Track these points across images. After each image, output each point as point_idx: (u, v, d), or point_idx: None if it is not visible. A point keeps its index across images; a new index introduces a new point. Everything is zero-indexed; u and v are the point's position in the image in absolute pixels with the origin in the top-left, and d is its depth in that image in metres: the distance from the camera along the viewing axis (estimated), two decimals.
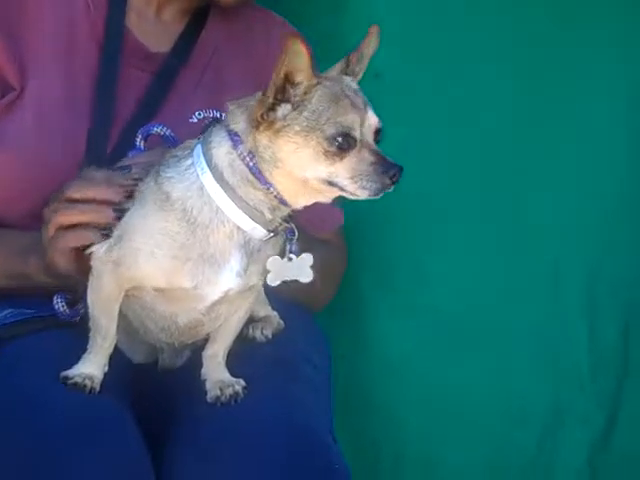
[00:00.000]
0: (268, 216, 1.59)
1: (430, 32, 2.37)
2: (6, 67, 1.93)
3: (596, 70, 2.37)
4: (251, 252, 1.61)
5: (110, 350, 1.68)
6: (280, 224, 1.62)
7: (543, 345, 2.45)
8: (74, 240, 1.69)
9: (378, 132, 1.58)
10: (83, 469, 1.52)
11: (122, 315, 1.70)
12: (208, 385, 1.71)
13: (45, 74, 1.94)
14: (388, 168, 1.54)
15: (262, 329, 1.88)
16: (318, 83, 1.56)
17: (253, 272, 1.64)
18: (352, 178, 1.54)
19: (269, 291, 1.81)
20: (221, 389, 1.69)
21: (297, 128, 1.54)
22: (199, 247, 1.58)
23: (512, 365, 2.44)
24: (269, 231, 1.60)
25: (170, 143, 1.76)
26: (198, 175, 1.58)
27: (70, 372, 1.65)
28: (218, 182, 1.57)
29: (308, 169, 1.55)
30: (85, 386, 1.64)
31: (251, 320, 1.87)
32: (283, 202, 1.59)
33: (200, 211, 1.57)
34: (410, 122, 2.36)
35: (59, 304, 1.78)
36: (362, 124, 1.55)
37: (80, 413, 1.58)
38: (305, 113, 1.54)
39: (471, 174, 2.39)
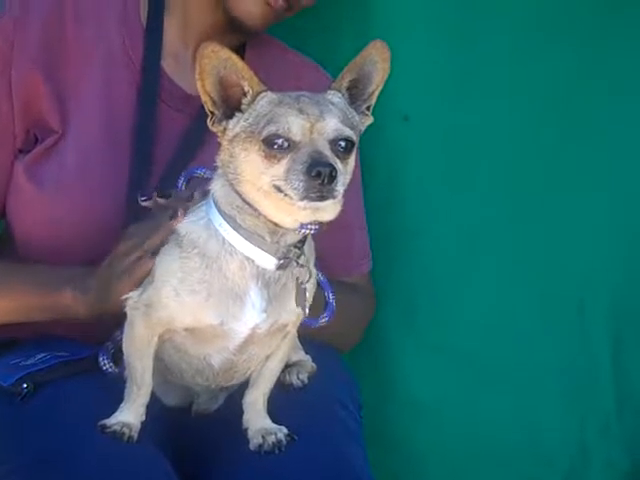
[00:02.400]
0: (268, 240, 1.59)
1: (459, 73, 2.36)
2: (49, 111, 1.95)
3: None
4: (268, 283, 1.61)
5: (147, 398, 1.69)
6: (289, 250, 1.61)
7: (569, 384, 2.42)
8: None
9: (336, 141, 1.54)
10: None
11: (158, 359, 1.71)
12: (250, 433, 1.71)
13: (86, 117, 1.96)
14: (315, 166, 1.48)
15: (298, 374, 1.89)
16: (265, 90, 1.58)
17: (277, 308, 1.64)
18: (286, 180, 1.51)
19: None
20: (264, 437, 1.69)
21: (243, 135, 1.56)
22: (217, 281, 1.61)
23: (538, 404, 2.43)
24: (279, 259, 1.61)
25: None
26: (206, 211, 1.63)
27: (108, 421, 1.66)
28: (220, 214, 1.60)
29: (257, 175, 1.54)
30: (123, 434, 1.64)
31: (284, 365, 1.88)
32: (274, 222, 1.59)
33: (207, 243, 1.60)
34: (439, 162, 2.38)
35: (104, 362, 1.80)
36: (311, 129, 1.52)
37: (117, 465, 1.60)
38: (250, 119, 1.56)
39: (496, 214, 2.38)
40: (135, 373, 1.69)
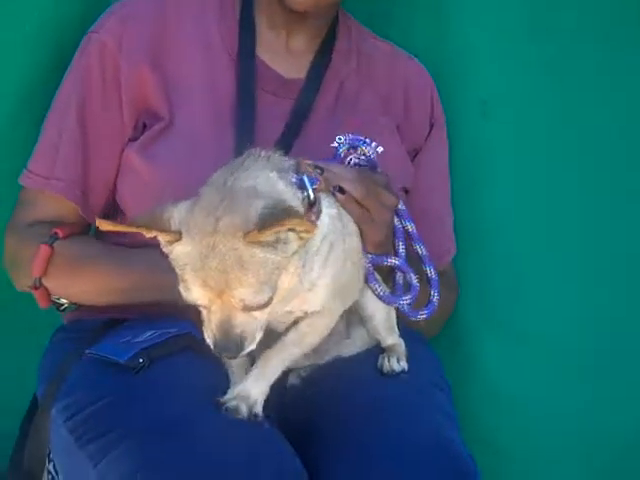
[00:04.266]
0: None
1: (539, 56, 2.38)
2: (157, 100, 2.05)
3: None
4: None
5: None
6: None
7: None
8: None
9: (247, 308, 1.55)
10: None
11: None
12: (232, 388, 1.69)
13: (191, 105, 2.06)
14: (219, 350, 1.58)
15: (398, 360, 1.91)
16: (176, 240, 1.57)
17: None
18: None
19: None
20: (234, 400, 1.66)
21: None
22: None
23: (623, 395, 2.41)
24: None
25: (370, 165, 1.88)
26: None
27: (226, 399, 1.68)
28: None
29: None
30: (238, 410, 1.66)
31: (379, 349, 1.93)
32: None
33: None
34: (520, 151, 2.40)
35: None
36: (219, 297, 1.54)
37: (239, 432, 1.64)
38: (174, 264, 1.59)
39: (580, 202, 2.39)
40: None
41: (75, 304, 2.09)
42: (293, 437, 1.73)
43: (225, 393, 1.70)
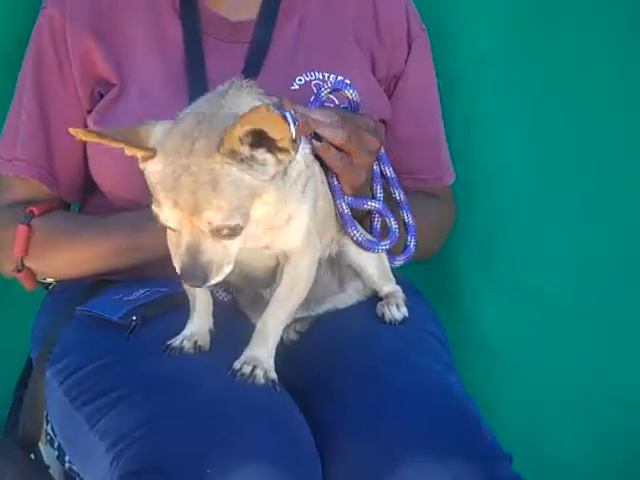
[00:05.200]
0: None
1: (536, 15, 2.33)
2: (106, 68, 2.01)
3: None
4: None
5: (205, 305, 1.72)
6: None
7: None
8: None
9: (216, 231, 1.50)
10: (257, 436, 1.55)
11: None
12: (241, 356, 1.65)
13: (140, 64, 2.01)
14: (185, 278, 1.54)
15: (397, 306, 1.89)
16: (150, 157, 1.54)
17: None
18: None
19: None
20: (244, 364, 1.63)
21: None
22: None
23: (621, 349, 2.38)
24: None
25: (354, 108, 1.82)
26: None
27: (171, 341, 1.69)
28: None
29: None
30: (183, 347, 1.68)
31: (376, 297, 1.91)
32: None
33: None
34: (517, 104, 2.36)
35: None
36: (189, 218, 1.50)
37: (240, 388, 1.61)
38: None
39: (577, 156, 2.35)
40: None
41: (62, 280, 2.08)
42: (296, 391, 1.71)
43: (222, 349, 1.69)
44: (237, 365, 1.63)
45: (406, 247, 1.92)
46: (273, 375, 1.64)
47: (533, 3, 2.35)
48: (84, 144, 2.05)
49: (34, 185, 2.07)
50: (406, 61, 2.15)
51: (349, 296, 1.92)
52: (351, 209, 1.83)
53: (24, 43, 2.11)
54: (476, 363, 2.41)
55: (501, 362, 2.43)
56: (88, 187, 2.12)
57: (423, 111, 2.19)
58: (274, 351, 1.67)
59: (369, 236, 1.87)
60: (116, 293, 1.88)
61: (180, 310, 1.78)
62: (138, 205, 1.94)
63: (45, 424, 1.95)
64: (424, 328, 1.94)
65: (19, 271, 2.02)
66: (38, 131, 2.06)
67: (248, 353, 1.65)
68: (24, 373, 2.07)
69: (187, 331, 1.71)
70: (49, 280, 2.09)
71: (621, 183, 2.35)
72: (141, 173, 1.89)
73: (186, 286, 1.72)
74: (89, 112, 2.04)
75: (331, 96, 1.86)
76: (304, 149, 1.68)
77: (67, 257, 2.02)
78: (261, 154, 1.50)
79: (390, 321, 1.87)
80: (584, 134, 2.35)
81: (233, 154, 1.48)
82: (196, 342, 1.70)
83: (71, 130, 1.54)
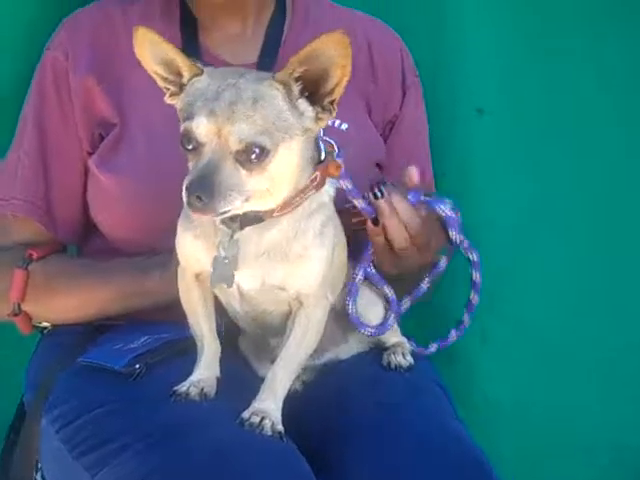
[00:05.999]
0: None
1: (533, 66, 2.36)
2: (107, 108, 2.01)
3: None
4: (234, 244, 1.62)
5: (213, 353, 1.72)
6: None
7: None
8: None
9: (243, 151, 1.49)
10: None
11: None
12: (250, 407, 1.64)
13: (143, 105, 2.00)
14: (192, 188, 1.48)
15: (403, 355, 1.90)
16: (197, 74, 1.56)
17: (258, 269, 1.65)
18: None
19: None
20: (252, 415, 1.62)
21: (180, 118, 1.57)
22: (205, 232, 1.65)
23: (613, 392, 2.41)
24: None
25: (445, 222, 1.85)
26: None
27: (178, 387, 1.68)
28: None
29: None
30: (189, 394, 1.66)
31: (383, 348, 1.92)
32: None
33: None
34: (512, 155, 2.38)
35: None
36: (218, 133, 1.49)
37: (247, 437, 1.60)
38: (182, 103, 1.57)
39: (569, 206, 2.39)
40: (193, 328, 1.73)
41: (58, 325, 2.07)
42: (303, 442, 1.69)
43: (226, 397, 1.68)
44: (246, 415, 1.62)
45: (385, 320, 1.90)
46: (280, 427, 1.63)
47: (530, 54, 2.38)
48: (84, 186, 2.04)
49: (32, 226, 2.05)
50: (401, 107, 2.17)
51: (351, 347, 1.92)
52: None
53: (26, 84, 2.10)
54: (475, 417, 2.41)
55: (501, 416, 2.44)
56: (86, 230, 2.10)
57: (417, 155, 2.21)
58: (282, 403, 1.66)
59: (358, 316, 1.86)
60: (116, 342, 1.86)
61: (182, 357, 1.77)
62: (138, 246, 1.96)
63: (35, 472, 1.91)
64: (429, 375, 1.96)
65: (15, 315, 2.00)
66: (37, 172, 2.04)
67: (257, 404, 1.64)
68: (16, 418, 2.04)
69: (194, 377, 1.70)
70: (45, 324, 2.07)
71: (609, 230, 2.39)
72: (141, 214, 1.91)
73: (194, 329, 1.72)
74: (89, 154, 2.03)
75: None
76: (329, 190, 1.69)
77: (66, 302, 2.01)
78: (303, 104, 1.54)
79: (396, 367, 1.88)
80: (580, 184, 2.38)
81: (284, 83, 1.52)
82: (202, 389, 1.68)
83: (141, 29, 1.55)
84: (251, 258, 1.64)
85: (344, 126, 2.03)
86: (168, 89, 1.63)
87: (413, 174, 1.78)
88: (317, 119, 1.56)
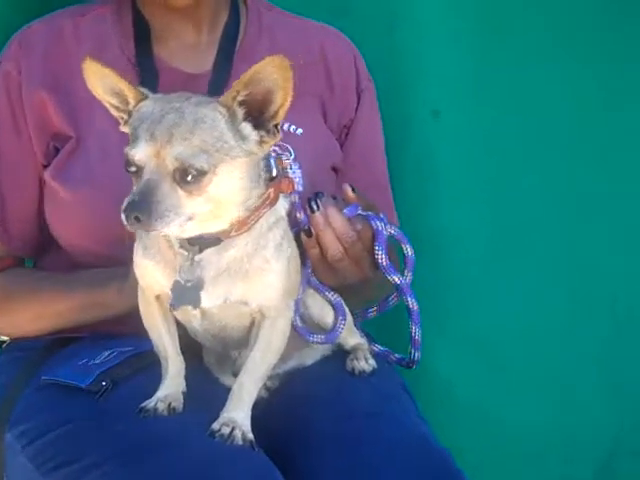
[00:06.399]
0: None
1: (488, 68, 2.39)
2: (62, 122, 2.00)
3: None
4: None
5: (178, 369, 1.72)
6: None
7: (603, 380, 2.47)
8: None
9: (179, 170, 1.50)
10: None
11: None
12: (219, 418, 1.64)
13: (99, 118, 1.96)
14: (128, 209, 1.50)
15: (365, 359, 1.91)
16: (142, 100, 1.59)
17: (218, 288, 1.65)
18: None
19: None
20: (223, 426, 1.63)
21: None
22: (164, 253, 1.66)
23: (570, 400, 2.46)
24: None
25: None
26: None
27: (145, 403, 1.68)
28: None
29: None
30: (157, 410, 1.66)
31: (345, 350, 1.93)
32: None
33: None
34: (468, 157, 2.40)
35: None
36: (157, 155, 1.51)
37: (219, 450, 1.60)
38: (128, 130, 1.59)
39: (527, 210, 2.42)
40: (157, 346, 1.74)
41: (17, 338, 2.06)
42: (272, 449, 1.70)
43: (195, 407, 1.68)
44: (216, 427, 1.63)
45: (335, 328, 1.90)
46: (250, 436, 1.64)
47: (485, 54, 2.40)
48: (40, 199, 2.03)
49: None
50: (356, 110, 2.18)
51: (315, 350, 1.93)
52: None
53: None
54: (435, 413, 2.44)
55: (455, 412, 2.46)
56: (42, 243, 2.09)
57: (373, 158, 2.23)
58: (250, 412, 1.67)
59: (305, 327, 1.86)
60: (79, 357, 1.85)
61: (147, 370, 1.77)
62: (96, 257, 1.95)
63: None
64: (394, 379, 1.97)
65: None
66: None
67: (226, 415, 1.64)
68: None
69: (161, 393, 1.70)
70: (3, 338, 2.06)
71: (570, 237, 2.43)
72: (99, 224, 1.89)
73: (157, 347, 1.72)
74: (45, 166, 2.01)
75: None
76: (284, 204, 1.71)
77: (24, 314, 2.00)
78: (247, 127, 1.56)
79: (360, 373, 1.89)
80: (537, 186, 2.41)
81: (227, 107, 1.54)
82: (170, 404, 1.68)
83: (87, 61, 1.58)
84: (211, 277, 1.65)
85: (299, 131, 2.05)
86: (122, 118, 1.63)
87: (347, 190, 1.83)
88: (261, 142, 1.57)
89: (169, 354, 1.72)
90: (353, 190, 1.83)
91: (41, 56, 2.03)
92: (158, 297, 1.72)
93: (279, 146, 1.70)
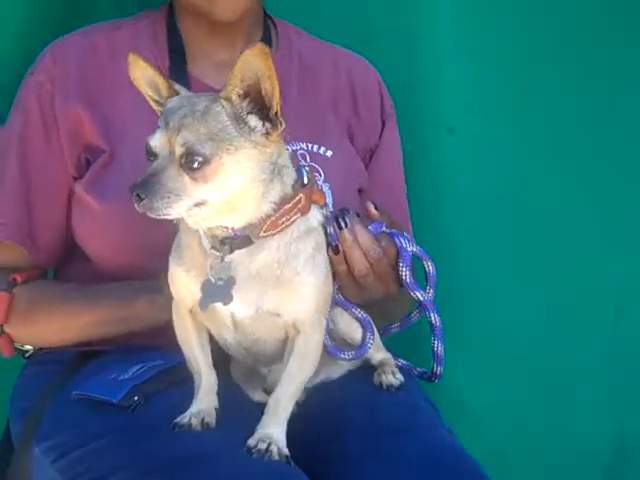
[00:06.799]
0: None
1: (502, 86, 2.43)
2: (96, 135, 2.02)
3: None
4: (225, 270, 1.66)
5: (210, 384, 1.74)
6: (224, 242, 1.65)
7: (605, 387, 2.51)
8: None
9: (186, 156, 1.56)
10: None
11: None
12: (255, 434, 1.67)
13: (132, 132, 2.00)
14: (133, 186, 1.57)
15: (393, 373, 1.94)
16: (171, 96, 1.66)
17: (251, 296, 1.67)
18: None
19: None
20: (259, 441, 1.65)
21: None
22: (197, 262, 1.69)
23: (573, 407, 2.50)
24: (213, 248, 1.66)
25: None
26: None
27: (179, 419, 1.69)
28: None
29: None
30: (191, 425, 1.68)
31: (371, 365, 1.95)
32: None
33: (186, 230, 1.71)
34: (484, 174, 2.45)
35: None
36: (169, 142, 1.58)
37: (254, 465, 1.62)
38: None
39: (538, 222, 2.46)
40: (189, 360, 1.75)
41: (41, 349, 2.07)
42: (304, 463, 1.71)
43: (227, 423, 1.70)
44: (252, 442, 1.64)
45: (363, 344, 1.92)
46: (286, 451, 1.66)
47: (500, 73, 2.45)
48: (67, 210, 2.04)
49: (15, 250, 2.05)
50: (380, 136, 2.23)
51: (341, 366, 1.95)
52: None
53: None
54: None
55: (473, 422, 2.48)
56: (66, 254, 2.10)
57: (395, 182, 2.28)
58: (285, 427, 1.68)
59: (334, 345, 1.88)
60: (109, 372, 1.85)
61: (178, 385, 1.78)
62: (127, 269, 1.96)
63: None
64: (417, 392, 2.00)
65: None
66: (20, 196, 2.04)
67: (262, 430, 1.66)
68: (2, 449, 2.02)
69: (194, 409, 1.71)
70: (27, 347, 2.07)
71: (576, 248, 2.47)
72: (131, 237, 1.92)
73: (190, 362, 1.74)
74: (75, 179, 2.03)
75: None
76: (317, 215, 1.73)
77: (51, 326, 2.00)
78: (253, 119, 1.60)
79: (388, 387, 1.92)
80: (551, 200, 2.45)
81: (228, 99, 1.59)
82: (203, 419, 1.69)
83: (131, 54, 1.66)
84: (242, 282, 1.66)
85: (329, 153, 2.09)
86: (159, 111, 1.67)
87: (370, 207, 1.87)
88: (267, 134, 1.61)
89: (202, 369, 1.74)
90: (375, 208, 1.86)
91: (75, 69, 2.05)
92: (191, 311, 1.73)
93: (310, 167, 1.72)
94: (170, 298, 1.76)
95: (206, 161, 1.55)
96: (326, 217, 1.77)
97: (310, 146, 2.08)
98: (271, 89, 1.58)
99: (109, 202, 1.97)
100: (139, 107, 1.97)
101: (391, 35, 2.44)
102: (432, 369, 1.97)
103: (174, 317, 1.76)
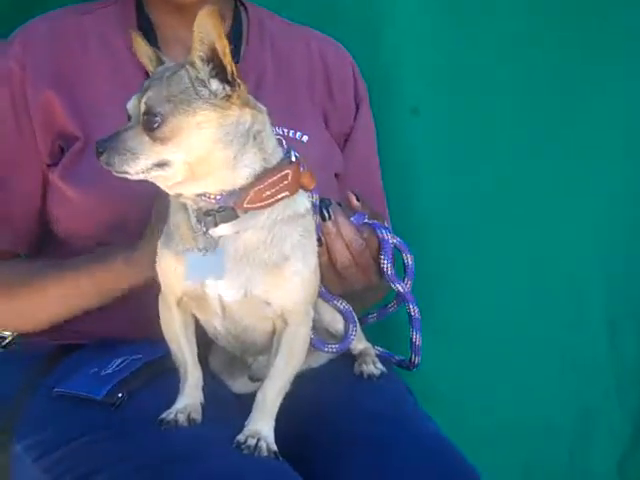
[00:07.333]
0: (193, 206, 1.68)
1: (467, 66, 2.44)
2: (68, 121, 2.00)
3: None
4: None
5: (196, 379, 1.74)
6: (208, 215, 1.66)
7: (569, 363, 2.56)
8: None
9: (145, 115, 1.61)
10: None
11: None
12: (244, 430, 1.67)
13: (107, 117, 1.94)
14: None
15: (374, 363, 1.96)
16: (159, 65, 1.72)
17: (241, 280, 1.67)
18: None
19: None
20: (248, 437, 1.65)
21: None
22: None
23: (540, 382, 2.54)
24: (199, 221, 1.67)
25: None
26: None
27: (164, 415, 1.69)
28: None
29: None
30: (177, 420, 1.67)
31: (351, 355, 1.96)
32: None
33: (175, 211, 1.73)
34: (447, 154, 2.46)
35: None
36: (138, 104, 1.63)
37: (244, 461, 1.62)
38: None
39: (501, 206, 2.49)
40: (175, 355, 1.75)
41: (20, 334, 2.04)
42: (289, 453, 1.72)
43: (211, 418, 1.70)
44: (241, 438, 1.65)
45: (347, 336, 1.93)
46: (274, 447, 1.66)
47: (464, 52, 2.46)
48: (42, 197, 2.02)
49: None
50: (355, 119, 2.22)
51: (321, 355, 1.96)
52: None
53: None
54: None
55: (425, 387, 2.45)
56: (40, 240, 2.08)
57: (370, 165, 2.28)
58: (274, 422, 1.69)
59: (319, 338, 1.89)
60: (89, 366, 1.83)
61: (161, 379, 1.77)
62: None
63: None
64: (397, 382, 2.01)
65: None
66: None
67: (251, 427, 1.66)
68: None
69: (180, 404, 1.70)
70: (5, 333, 2.05)
71: (539, 233, 2.50)
72: (113, 219, 1.93)
73: (176, 356, 1.74)
74: (49, 166, 2.01)
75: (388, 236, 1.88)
76: (304, 202, 1.73)
77: (31, 300, 1.98)
78: (214, 83, 1.62)
79: (369, 377, 1.94)
80: (520, 179, 2.47)
81: (191, 64, 1.62)
82: (189, 415, 1.69)
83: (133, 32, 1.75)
84: (230, 263, 1.66)
85: (305, 138, 2.08)
86: None
87: (352, 198, 1.88)
88: (228, 96, 1.63)
89: (187, 363, 1.74)
90: (357, 199, 1.87)
91: (46, 54, 2.02)
92: (179, 304, 1.73)
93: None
94: (147, 253, 1.76)
95: (163, 121, 1.59)
96: (313, 205, 1.76)
97: (285, 131, 2.07)
98: (222, 48, 1.60)
99: (86, 190, 1.95)
100: (111, 93, 2.00)
101: (355, 14, 2.44)
102: (410, 359, 1.99)
103: (160, 311, 1.75)
